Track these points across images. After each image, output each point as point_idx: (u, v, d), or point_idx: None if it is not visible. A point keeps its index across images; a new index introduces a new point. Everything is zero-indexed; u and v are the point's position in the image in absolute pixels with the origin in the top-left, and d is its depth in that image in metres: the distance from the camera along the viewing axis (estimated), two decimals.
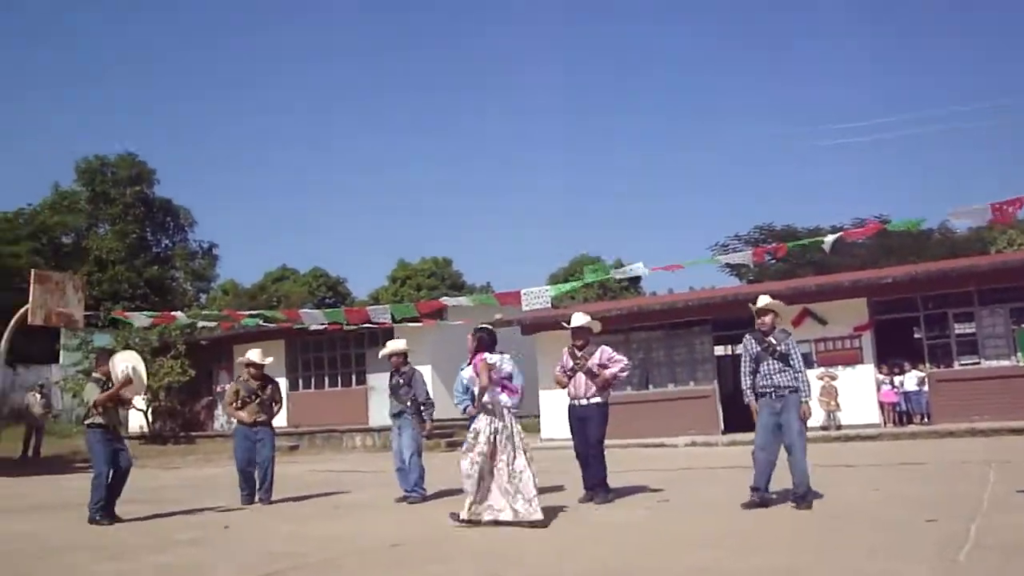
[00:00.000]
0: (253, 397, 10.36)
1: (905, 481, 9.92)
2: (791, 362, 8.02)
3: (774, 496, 8.04)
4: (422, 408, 10.28)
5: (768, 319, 8.25)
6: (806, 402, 8.00)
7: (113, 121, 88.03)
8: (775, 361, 8.07)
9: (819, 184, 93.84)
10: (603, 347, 9.42)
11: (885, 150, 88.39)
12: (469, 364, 8.38)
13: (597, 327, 9.58)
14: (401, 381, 10.30)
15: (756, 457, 8.11)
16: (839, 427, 18.32)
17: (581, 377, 9.29)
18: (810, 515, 7.44)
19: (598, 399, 9.29)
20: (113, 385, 9.34)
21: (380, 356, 10.66)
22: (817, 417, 18.35)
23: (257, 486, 10.25)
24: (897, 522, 6.90)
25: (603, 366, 9.20)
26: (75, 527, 8.79)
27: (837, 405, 18.73)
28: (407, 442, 10.07)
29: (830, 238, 11.35)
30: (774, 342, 8.12)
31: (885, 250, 37.63)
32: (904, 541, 6.01)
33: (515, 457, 7.66)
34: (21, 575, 6.25)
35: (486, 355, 7.98)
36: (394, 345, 10.55)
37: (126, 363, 9.47)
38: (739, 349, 9.04)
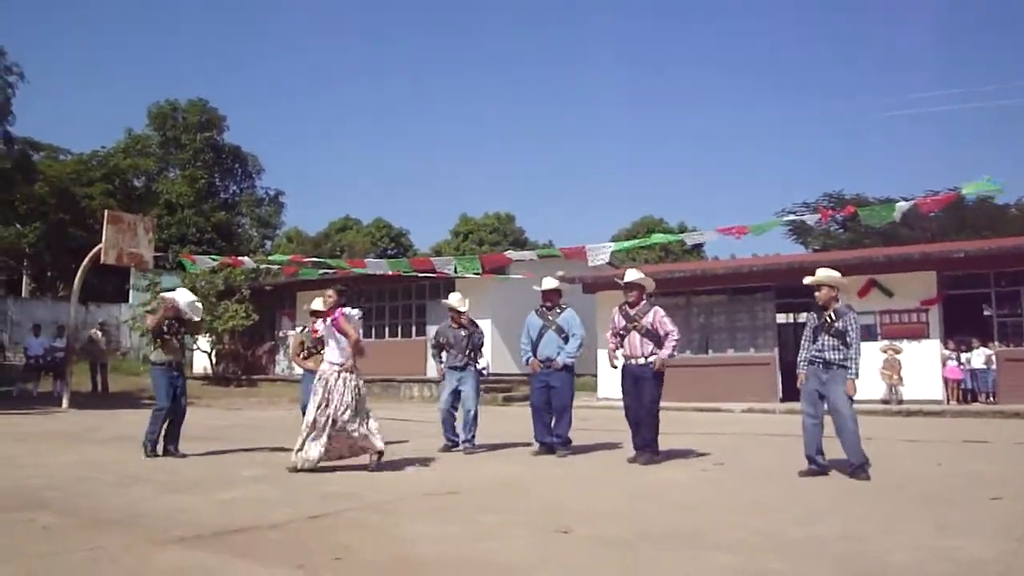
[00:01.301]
0: (319, 347, 10.44)
1: (968, 458, 9.74)
2: (847, 339, 7.89)
3: (830, 466, 7.96)
4: (478, 360, 10.45)
5: (822, 293, 8.11)
6: (852, 379, 7.85)
7: (185, 67, 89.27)
8: (831, 337, 7.96)
9: (891, 156, 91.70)
10: (656, 308, 9.26)
11: (962, 122, 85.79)
12: (323, 320, 8.64)
13: (651, 284, 9.43)
14: (463, 334, 10.38)
15: (804, 424, 8.06)
16: (900, 401, 18.05)
17: (636, 336, 9.09)
18: (870, 487, 7.36)
19: (654, 359, 9.10)
20: (173, 319, 9.64)
21: (446, 304, 10.69)
22: (879, 390, 18.17)
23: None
24: (960, 499, 6.79)
25: (654, 329, 9.06)
26: (143, 460, 9.12)
27: (900, 379, 18.42)
28: (471, 394, 10.23)
29: (902, 204, 11.04)
30: (832, 318, 7.99)
31: (957, 223, 36.62)
32: (968, 518, 5.92)
33: (347, 408, 8.15)
34: (96, 503, 6.47)
35: (346, 310, 8.40)
36: (459, 303, 10.59)
37: (177, 295, 9.80)
38: (802, 317, 8.92)
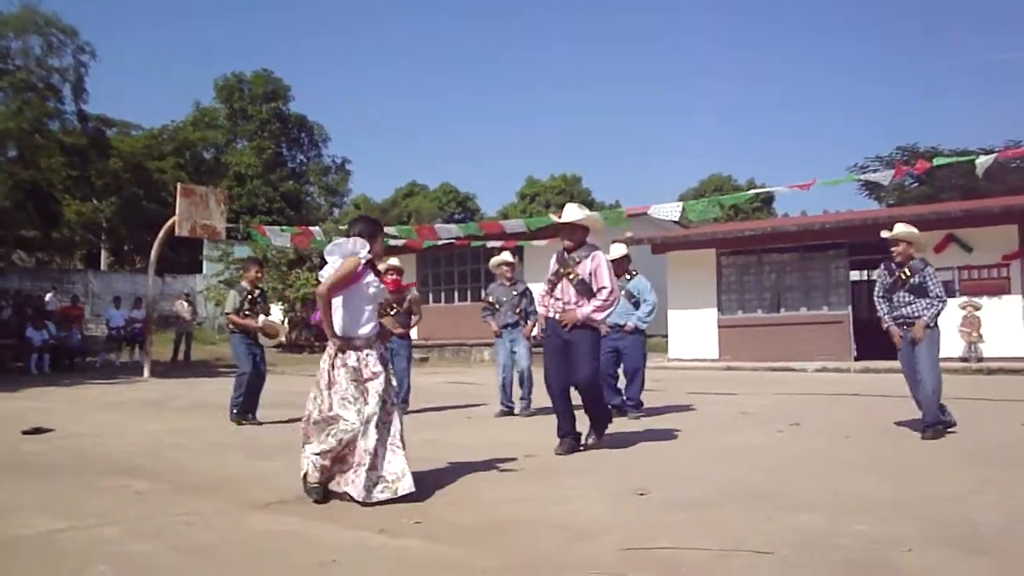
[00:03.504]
0: (389, 309, 10.51)
1: None
2: (928, 292, 7.73)
3: (952, 419, 7.88)
4: (529, 316, 10.35)
5: (901, 248, 7.93)
6: (923, 325, 7.67)
7: (249, 38, 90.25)
8: (906, 293, 7.82)
9: (967, 109, 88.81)
10: (598, 254, 7.25)
11: None
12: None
13: (595, 224, 7.52)
14: (515, 293, 10.41)
15: (912, 390, 7.93)
16: (980, 359, 17.60)
17: (567, 287, 7.20)
18: (953, 447, 7.22)
19: (576, 313, 7.14)
20: (256, 296, 9.88)
21: (497, 263, 10.73)
22: (957, 348, 17.75)
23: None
24: None
25: (590, 280, 7.15)
26: (226, 426, 9.38)
27: (980, 336, 17.96)
28: (524, 353, 10.29)
29: (983, 159, 10.75)
30: (908, 273, 7.83)
31: None
32: None
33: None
34: (184, 469, 6.69)
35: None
36: (508, 255, 10.71)
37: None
38: (875, 275, 8.59)
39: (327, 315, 5.32)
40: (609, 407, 7.86)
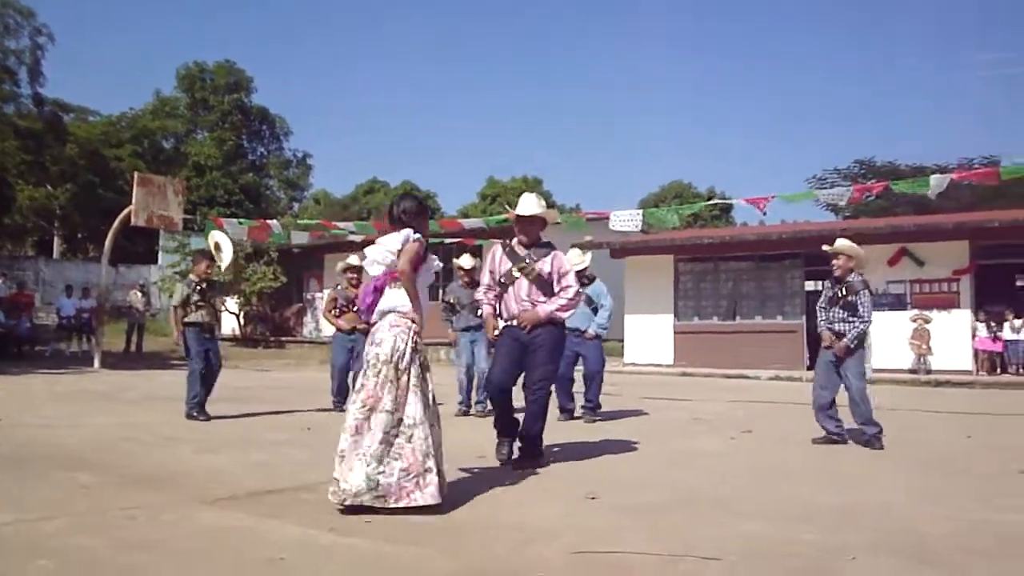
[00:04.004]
0: (351, 306, 10.45)
1: (998, 431, 9.69)
2: (857, 312, 7.88)
3: (846, 435, 8.02)
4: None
5: (841, 262, 8.07)
6: (844, 344, 7.84)
7: (213, 28, 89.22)
8: (840, 309, 7.99)
9: (924, 118, 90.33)
10: (558, 252, 6.75)
11: (996, 85, 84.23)
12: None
13: (552, 218, 7.04)
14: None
15: (814, 395, 8.11)
16: (929, 371, 17.95)
17: (525, 287, 6.59)
18: (901, 457, 7.34)
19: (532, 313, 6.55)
20: (205, 288, 9.69)
21: (456, 266, 10.75)
22: (907, 360, 18.09)
23: (349, 392, 10.44)
24: (989, 471, 6.78)
25: (550, 278, 6.59)
26: (177, 420, 9.22)
27: (928, 349, 18.31)
28: (483, 355, 10.25)
29: (936, 179, 10.94)
30: (844, 292, 7.98)
31: (992, 192, 36.00)
32: (1000, 491, 5.89)
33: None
34: (133, 463, 6.58)
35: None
36: (468, 260, 10.70)
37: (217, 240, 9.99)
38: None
39: (417, 298, 5.16)
40: (543, 433, 6.74)
